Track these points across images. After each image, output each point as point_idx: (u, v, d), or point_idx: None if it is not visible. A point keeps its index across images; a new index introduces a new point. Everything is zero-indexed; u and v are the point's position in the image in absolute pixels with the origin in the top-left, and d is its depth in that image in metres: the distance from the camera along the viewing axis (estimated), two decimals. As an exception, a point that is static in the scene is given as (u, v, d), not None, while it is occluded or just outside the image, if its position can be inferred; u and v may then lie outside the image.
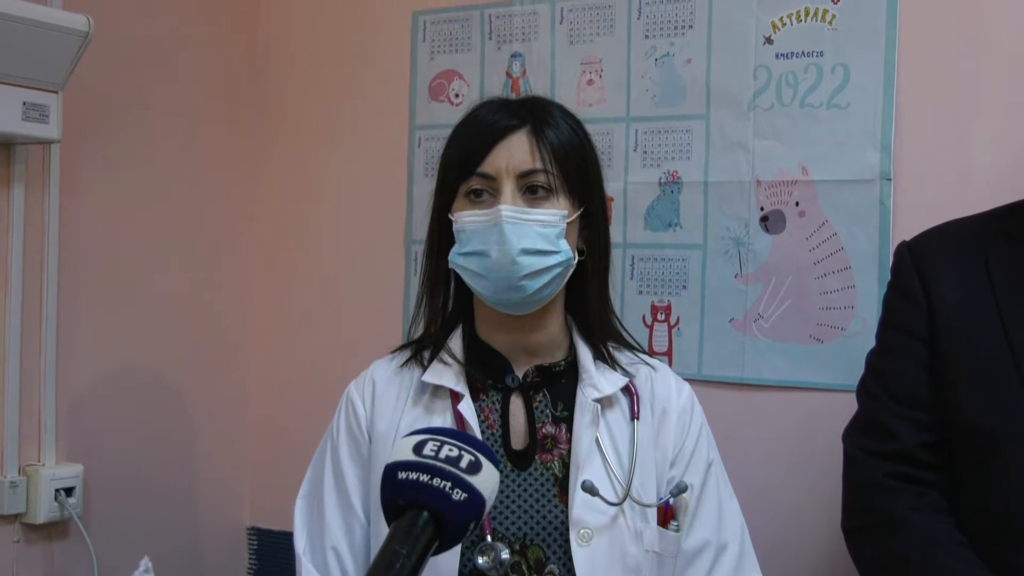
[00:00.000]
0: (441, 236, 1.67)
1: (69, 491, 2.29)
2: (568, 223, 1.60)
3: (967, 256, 1.74)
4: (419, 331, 1.74)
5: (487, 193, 1.59)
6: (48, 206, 2.27)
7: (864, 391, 1.84)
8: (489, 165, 1.58)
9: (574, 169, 1.63)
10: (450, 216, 1.63)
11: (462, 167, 1.61)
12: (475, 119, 1.65)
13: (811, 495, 2.20)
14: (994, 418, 1.65)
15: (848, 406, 2.06)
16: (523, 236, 1.55)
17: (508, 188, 1.57)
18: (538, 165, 1.59)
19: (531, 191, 1.58)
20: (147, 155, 2.52)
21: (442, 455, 1.04)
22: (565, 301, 1.70)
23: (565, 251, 1.59)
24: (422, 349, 1.72)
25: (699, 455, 1.68)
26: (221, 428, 2.76)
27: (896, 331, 1.80)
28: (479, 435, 1.60)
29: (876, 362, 1.84)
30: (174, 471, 2.62)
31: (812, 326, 2.22)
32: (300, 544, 1.67)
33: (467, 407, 1.62)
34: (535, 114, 1.63)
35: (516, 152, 1.59)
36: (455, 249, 1.61)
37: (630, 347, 1.77)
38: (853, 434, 1.83)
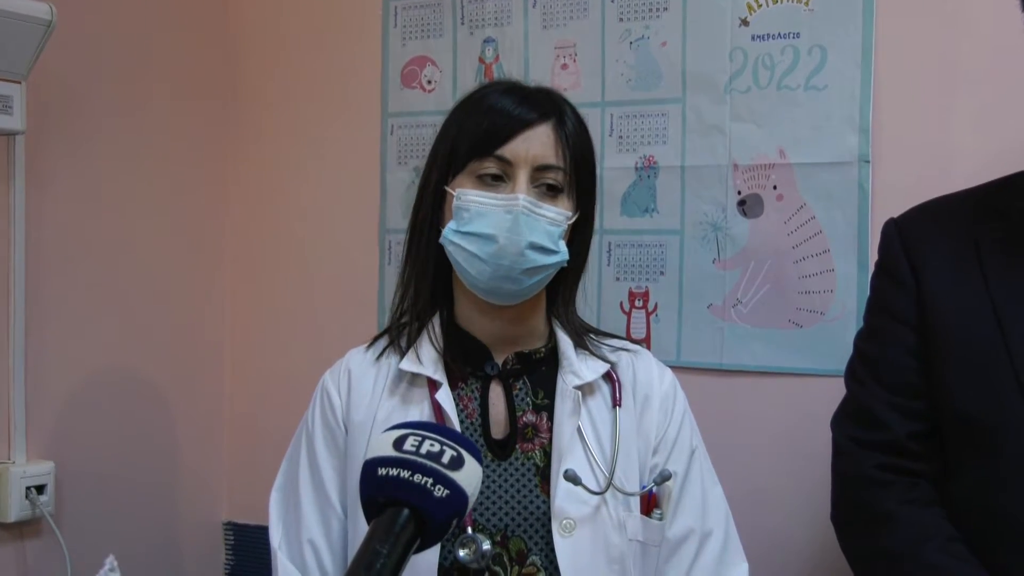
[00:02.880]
0: (435, 210, 1.63)
1: (40, 489, 2.25)
2: (568, 225, 1.60)
3: (957, 236, 1.69)
4: (400, 312, 1.70)
5: (501, 179, 1.57)
6: (13, 199, 2.22)
7: (852, 376, 1.80)
8: (509, 150, 1.56)
9: (585, 173, 1.63)
10: (448, 190, 1.60)
11: (479, 146, 1.57)
12: (493, 101, 1.61)
13: (793, 481, 2.20)
14: (985, 408, 1.60)
15: (829, 391, 2.05)
16: (534, 230, 1.54)
17: (524, 177, 1.55)
18: (558, 162, 1.58)
19: (546, 187, 1.57)
20: (115, 146, 2.47)
21: (423, 450, 1.02)
22: (547, 292, 1.69)
23: (563, 252, 1.59)
24: (399, 337, 1.69)
25: (682, 442, 1.67)
26: (196, 422, 2.73)
27: (884, 315, 1.75)
28: (457, 424, 1.58)
29: (864, 347, 1.80)
30: (148, 466, 2.58)
31: (791, 311, 2.20)
32: (275, 538, 1.65)
33: (445, 396, 1.59)
34: (558, 109, 1.62)
35: (537, 144, 1.57)
36: (452, 226, 1.57)
37: (609, 334, 1.75)
38: (842, 421, 1.79)
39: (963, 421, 1.63)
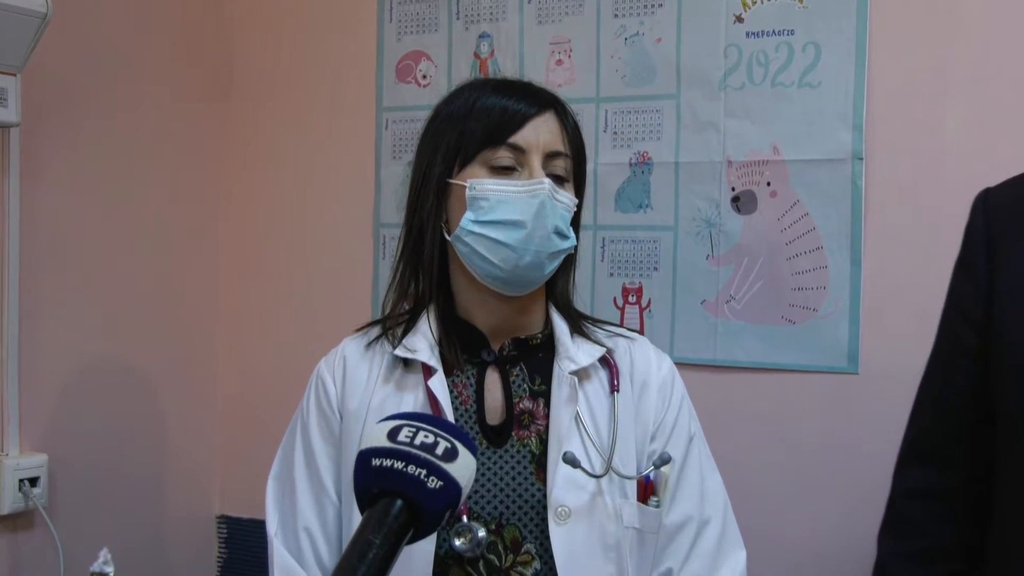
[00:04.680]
0: (439, 203, 1.62)
1: (34, 481, 2.25)
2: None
3: None
4: (400, 306, 1.69)
5: (513, 168, 1.57)
6: (8, 191, 2.22)
7: (914, 404, 1.70)
8: (521, 138, 1.56)
9: (581, 163, 1.65)
10: (457, 183, 1.59)
11: (491, 136, 1.57)
12: (494, 96, 1.60)
13: (784, 476, 2.20)
14: None
15: (821, 387, 2.06)
16: (556, 215, 1.55)
17: (537, 164, 1.56)
18: (565, 150, 1.60)
19: (553, 175, 1.58)
20: (111, 139, 2.47)
21: (417, 441, 1.02)
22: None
23: (573, 238, 1.61)
24: (394, 326, 1.68)
25: (680, 428, 1.65)
26: (190, 415, 2.73)
27: (949, 332, 1.65)
28: (450, 411, 1.57)
29: (926, 373, 1.69)
30: (141, 460, 2.59)
31: (784, 307, 2.21)
32: (272, 526, 1.64)
33: (439, 382, 1.58)
34: (555, 100, 1.63)
35: (546, 131, 1.58)
36: (469, 216, 1.56)
37: (606, 321, 1.75)
38: (899, 459, 1.72)
39: (1010, 424, 1.55)
